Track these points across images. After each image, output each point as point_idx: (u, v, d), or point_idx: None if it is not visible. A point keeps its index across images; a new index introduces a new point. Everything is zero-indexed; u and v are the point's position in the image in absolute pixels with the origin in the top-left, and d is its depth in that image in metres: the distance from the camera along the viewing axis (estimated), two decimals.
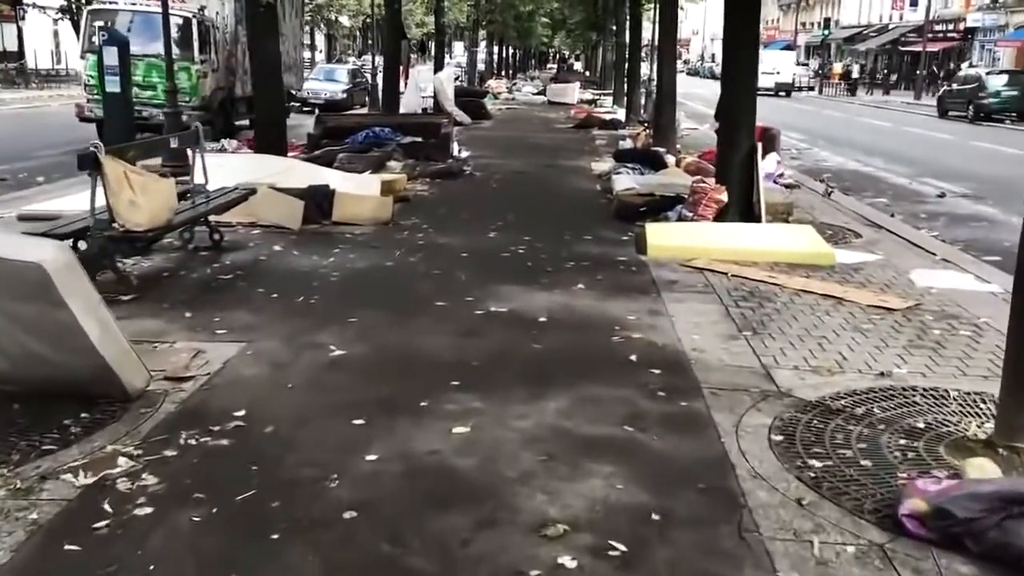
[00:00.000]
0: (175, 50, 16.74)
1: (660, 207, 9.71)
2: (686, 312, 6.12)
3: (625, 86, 28.49)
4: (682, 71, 42.54)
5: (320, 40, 77.84)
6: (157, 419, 4.08)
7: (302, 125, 17.89)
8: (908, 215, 11.53)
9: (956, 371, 5.12)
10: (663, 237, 8.14)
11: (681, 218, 9.20)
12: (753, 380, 4.84)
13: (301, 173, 9.40)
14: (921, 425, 4.32)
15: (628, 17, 24.11)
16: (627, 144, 17.20)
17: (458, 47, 62.16)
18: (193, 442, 3.84)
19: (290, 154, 14.22)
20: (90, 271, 5.99)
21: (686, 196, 9.89)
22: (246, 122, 19.61)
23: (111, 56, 10.37)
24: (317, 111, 25.45)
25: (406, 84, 24.10)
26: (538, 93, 36.13)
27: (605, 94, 33.46)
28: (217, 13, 17.41)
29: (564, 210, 10.31)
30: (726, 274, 7.23)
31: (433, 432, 4.01)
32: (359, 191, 9.35)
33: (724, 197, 9.08)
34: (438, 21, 24.32)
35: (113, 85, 10.40)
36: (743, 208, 9.19)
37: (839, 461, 3.91)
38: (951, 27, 49.43)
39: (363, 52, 66.38)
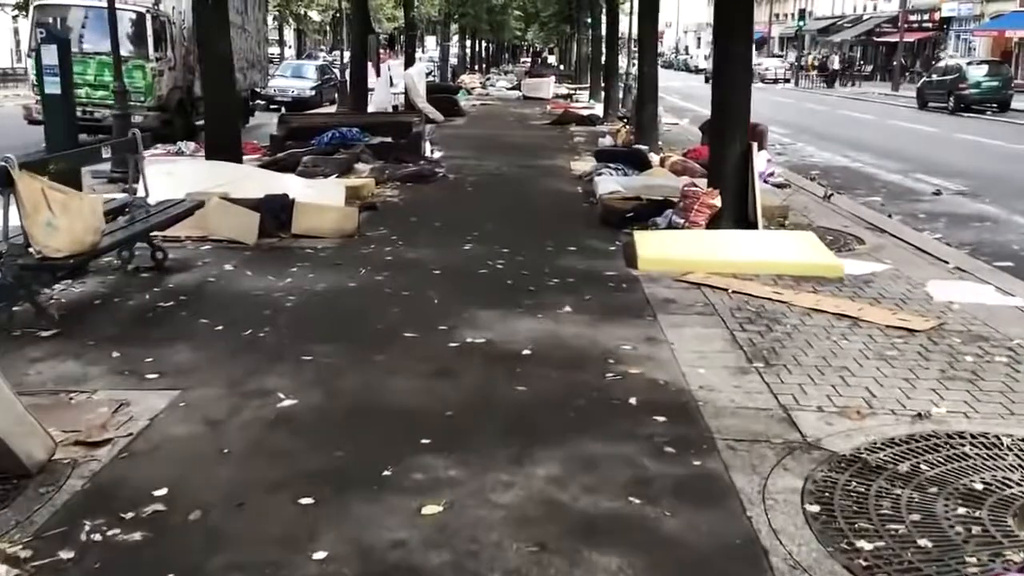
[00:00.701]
0: (128, 48, 15.99)
1: (648, 212, 9.01)
2: (687, 339, 5.42)
3: (602, 80, 27.88)
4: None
5: (290, 36, 76.63)
6: (57, 503, 3.31)
7: (266, 125, 17.07)
8: (906, 215, 10.92)
9: (1002, 409, 4.46)
10: (654, 248, 7.44)
11: (672, 225, 8.50)
12: (774, 427, 4.15)
13: (258, 181, 8.61)
14: (979, 486, 3.65)
15: (605, 9, 23.39)
16: (607, 141, 16.54)
17: (431, 42, 61.25)
18: (97, 537, 3.09)
19: (251, 157, 13.46)
20: (5, 303, 5.23)
21: (675, 200, 9.22)
22: None
23: (50, 55, 9.51)
24: (283, 110, 24.70)
25: (377, 80, 23.29)
26: (512, 88, 35.39)
27: (581, 88, 32.76)
28: (173, 8, 16.51)
29: (545, 216, 9.59)
30: (727, 290, 6.54)
31: (398, 514, 3.28)
32: (321, 200, 8.58)
33: (717, 202, 8.40)
34: (408, 15, 23.49)
35: (53, 86, 9.54)
36: (738, 213, 8.51)
37: (892, 541, 3.22)
38: (926, 17, 49.17)
39: (334, 48, 65.32)
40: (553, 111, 24.55)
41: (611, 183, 10.24)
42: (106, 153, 6.33)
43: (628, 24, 25.54)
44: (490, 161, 14.09)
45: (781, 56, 63.38)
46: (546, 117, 23.19)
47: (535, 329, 5.55)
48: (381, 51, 36.27)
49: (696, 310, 6.07)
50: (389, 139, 14.13)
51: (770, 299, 6.34)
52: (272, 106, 26.01)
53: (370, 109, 20.93)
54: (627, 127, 17.48)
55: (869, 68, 52.00)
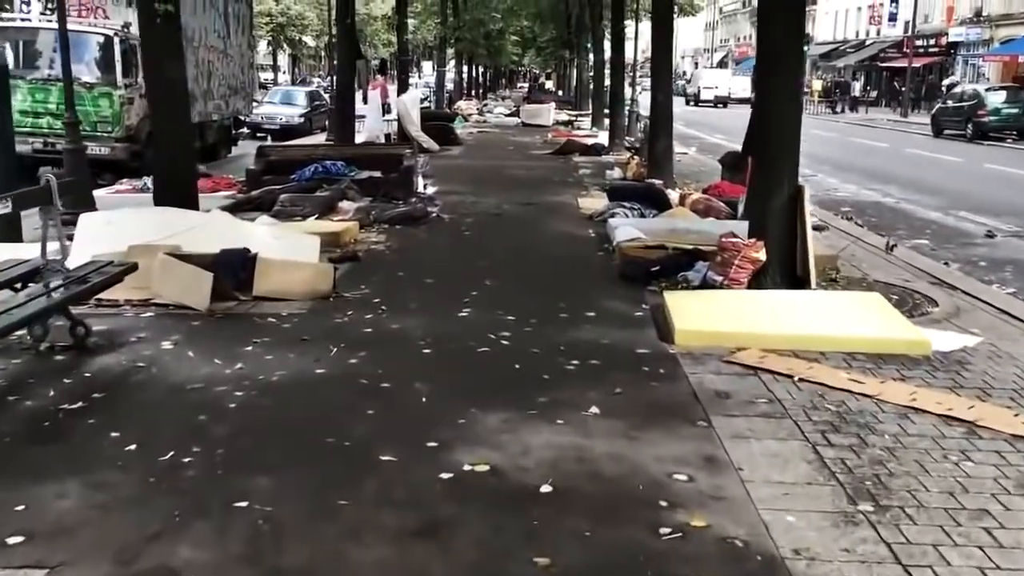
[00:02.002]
0: (95, 73, 14.71)
1: (676, 264, 7.67)
2: (759, 460, 4.05)
3: (606, 107, 26.67)
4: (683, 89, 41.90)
5: (284, 61, 75.69)
6: None
7: (249, 155, 15.71)
8: (964, 263, 9.61)
9: None
10: (693, 317, 6.07)
11: (707, 282, 7.16)
12: None
13: (217, 231, 7.26)
14: None
15: (610, 33, 22.19)
16: (616, 174, 15.27)
17: (427, 67, 60.24)
18: None
19: (225, 193, 12.14)
20: None
21: (706, 248, 7.89)
22: None
23: None
24: (269, 138, 23.44)
25: (368, 108, 22.04)
26: (511, 114, 34.18)
27: (582, 115, 31.56)
28: None
29: (554, 269, 8.22)
30: (792, 378, 5.18)
31: None
32: (291, 254, 7.22)
33: (762, 256, 7.06)
34: (400, 39, 22.27)
35: None
36: (785, 268, 7.17)
37: None
38: (932, 42, 48.18)
39: (330, 73, 64.42)
40: (555, 139, 23.28)
41: (629, 227, 8.89)
42: (3, 208, 4.98)
43: (634, 49, 24.34)
44: (489, 197, 12.75)
45: None
46: (547, 146, 21.90)
47: (555, 445, 4.17)
48: (377, 77, 35.10)
49: (760, 409, 4.70)
50: (378, 173, 12.81)
51: (850, 391, 4.97)
52: (259, 134, 24.78)
53: (361, 138, 19.78)
54: (637, 159, 16.20)
55: (874, 94, 50.93)
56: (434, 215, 10.85)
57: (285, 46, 69.79)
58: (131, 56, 14.88)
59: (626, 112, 21.43)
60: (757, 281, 7.11)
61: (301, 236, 7.50)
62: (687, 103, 55.87)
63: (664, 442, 4.24)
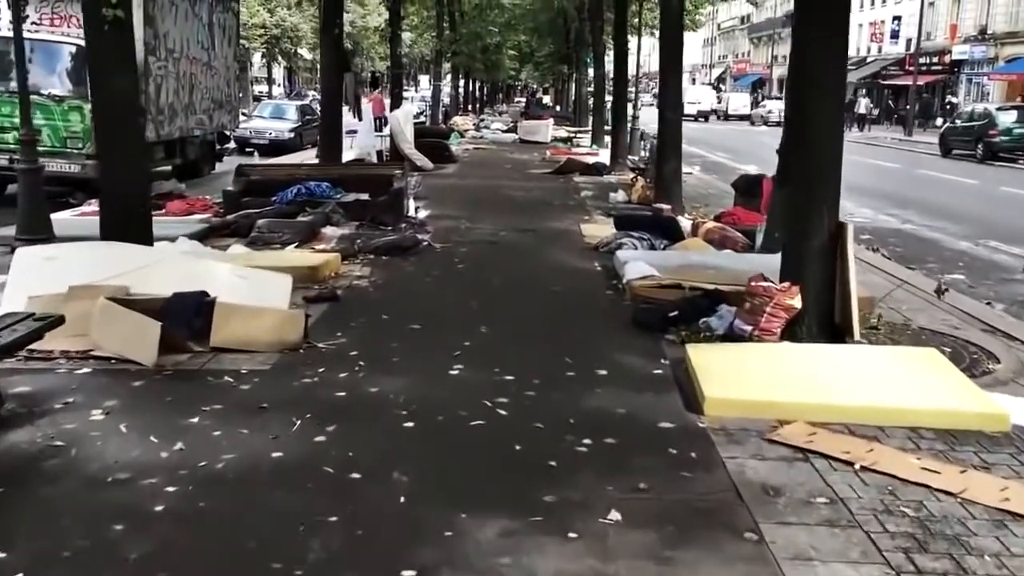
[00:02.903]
0: (66, 86, 13.81)
1: (695, 308, 6.76)
2: None
3: (605, 124, 25.82)
4: (651, 104, 41.03)
5: (279, 74, 74.89)
6: None
7: (230, 174, 14.79)
8: (1008, 302, 8.71)
9: None
10: (724, 380, 5.15)
11: (733, 332, 6.25)
12: None
13: (173, 268, 6.33)
14: None
15: (613, 47, 21.34)
16: (620, 197, 14.37)
17: (425, 81, 59.49)
18: None
19: (200, 216, 11.22)
20: None
21: (726, 289, 7.01)
22: (169, 167, 16.56)
23: None
24: (256, 154, 22.53)
25: (360, 123, 21.17)
26: (508, 130, 33.30)
27: (582, 132, 30.70)
28: None
29: (558, 311, 7.30)
30: (852, 465, 4.26)
31: None
32: (260, 296, 6.29)
33: (797, 303, 6.16)
34: (394, 51, 21.40)
35: None
36: (823, 316, 6.27)
37: None
38: (935, 60, 47.52)
39: None
40: (554, 157, 22.40)
41: (640, 264, 7.97)
42: None
43: (636, 64, 23.49)
44: (485, 223, 11.84)
45: (780, 98, 61.76)
46: (546, 164, 21.01)
47: (568, 574, 3.24)
48: (372, 91, 34.24)
49: (821, 515, 3.77)
50: (365, 196, 11.90)
51: (928, 486, 4.05)
52: (247, 149, 23.88)
53: (352, 155, 18.87)
54: (643, 181, 15.30)
55: (876, 112, 50.15)
56: (425, 243, 9.93)
57: (280, 59, 69.00)
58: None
59: (628, 130, 20.53)
60: (791, 331, 6.22)
61: (270, 276, 6.57)
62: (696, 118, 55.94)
63: (707, 566, 3.31)
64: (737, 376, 5.27)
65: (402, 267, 8.81)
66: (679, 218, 11.67)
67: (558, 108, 56.59)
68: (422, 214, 12.23)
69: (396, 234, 10.30)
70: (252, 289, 6.39)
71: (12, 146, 13.25)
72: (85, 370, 5.39)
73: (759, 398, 4.94)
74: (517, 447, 4.39)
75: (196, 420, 4.62)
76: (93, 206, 11.72)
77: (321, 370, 5.48)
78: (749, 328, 6.17)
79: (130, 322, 5.53)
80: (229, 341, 5.77)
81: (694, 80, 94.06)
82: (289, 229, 10.00)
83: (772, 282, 6.31)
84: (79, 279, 6.04)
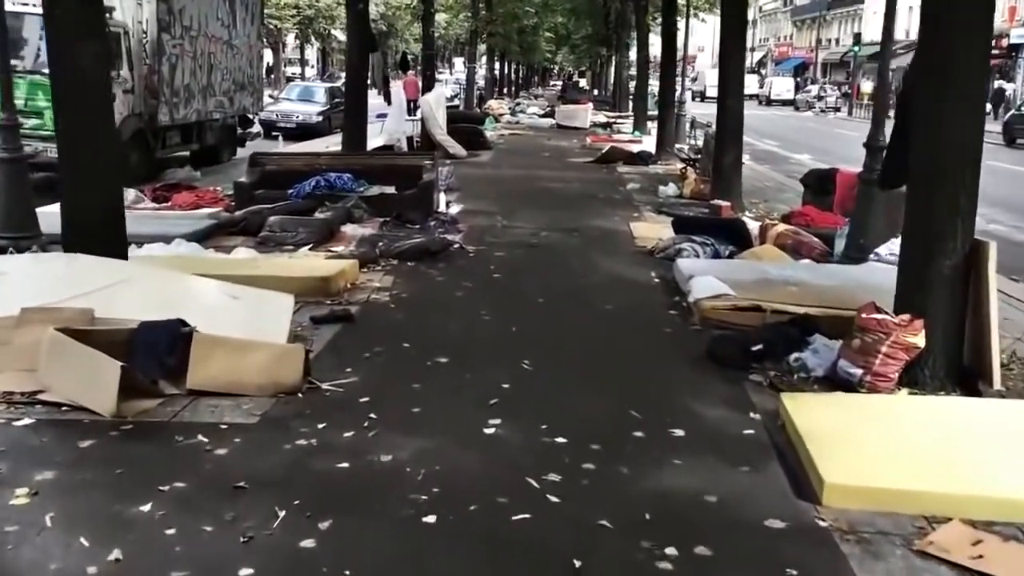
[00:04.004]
0: None
1: (785, 340, 5.53)
2: None
3: (646, 108, 24.46)
4: (688, 89, 39.61)
5: (313, 55, 73.92)
6: None
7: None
8: None
9: None
10: (843, 455, 3.91)
11: (837, 375, 5.01)
12: None
13: (150, 285, 5.20)
14: None
15: (661, 27, 19.94)
16: (671, 191, 13.09)
17: (459, 63, 58.17)
18: None
19: (209, 210, 10.12)
20: None
21: (816, 313, 5.80)
22: (186, 153, 15.53)
23: None
24: (280, 139, 21.47)
25: (390, 106, 20.01)
26: (544, 115, 31.95)
27: (622, 117, 29.31)
28: (133, 17, 13.25)
29: (614, 338, 6.06)
30: None
31: None
32: (255, 320, 5.15)
33: (920, 341, 4.90)
34: (427, 31, 20.18)
35: None
36: (951, 357, 5.02)
37: None
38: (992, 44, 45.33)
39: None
40: (594, 145, 21.11)
41: (709, 279, 6.71)
42: None
43: (683, 46, 22.07)
44: (523, 221, 10.63)
45: (828, 82, 59.88)
46: (586, 152, 19.74)
47: None
48: (407, 73, 32.95)
49: None
50: (391, 189, 10.76)
51: None
52: (274, 133, 22.84)
53: (381, 140, 17.73)
54: (695, 173, 14.01)
55: None
56: (456, 246, 8.74)
57: (313, 40, 68.04)
58: (112, 44, 12.91)
59: (675, 116, 19.17)
60: (909, 374, 4.97)
61: (267, 296, 5.42)
62: (692, 99, 54.48)
63: None
64: (857, 446, 4.04)
65: (429, 276, 7.62)
66: (744, 217, 10.41)
67: (595, 92, 55.09)
68: (453, 209, 11.06)
69: (423, 234, 9.13)
70: (245, 312, 5.25)
71: (28, 131, 12.19)
72: (26, 421, 4.28)
73: (896, 486, 3.71)
74: (577, 562, 3.20)
75: (148, 508, 3.47)
76: None
77: (322, 426, 4.31)
78: (858, 372, 4.92)
79: (84, 361, 4.41)
80: (210, 383, 4.63)
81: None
82: (304, 228, 8.88)
83: (888, 313, 5.05)
84: (33, 299, 4.94)
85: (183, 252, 7.60)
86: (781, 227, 8.96)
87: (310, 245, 8.53)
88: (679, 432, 4.39)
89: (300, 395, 4.70)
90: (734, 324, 6.09)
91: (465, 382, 5.02)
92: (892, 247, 7.84)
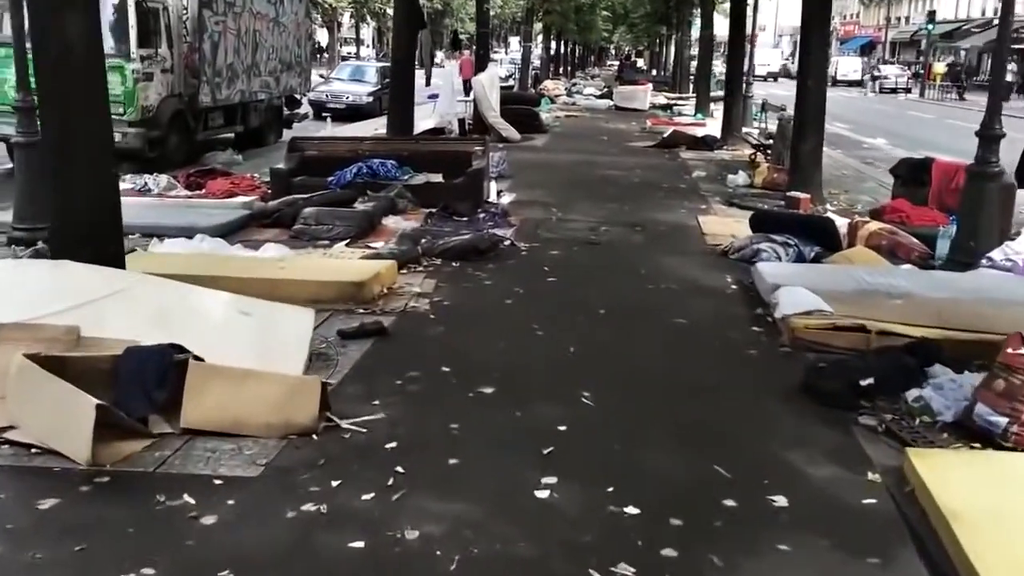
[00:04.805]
0: (107, 43, 12.14)
1: (902, 371, 4.61)
2: None
3: (706, 89, 23.30)
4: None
5: (369, 35, 73.40)
6: None
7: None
8: None
9: None
10: (1007, 551, 2.99)
11: (974, 423, 4.07)
12: None
13: (145, 302, 4.43)
14: None
15: (730, 4, 18.78)
16: (740, 180, 12.07)
17: (514, 43, 57.14)
18: None
19: (243, 199, 9.40)
20: None
21: (934, 336, 4.87)
22: (231, 135, 14.89)
23: None
24: (328, 120, 20.79)
25: (441, 86, 19.20)
26: (601, 95, 30.89)
27: (683, 99, 28.13)
28: None
29: (689, 363, 5.16)
30: None
31: None
32: (267, 342, 4.37)
33: None
34: (480, 9, 19.28)
35: None
36: None
37: None
38: None
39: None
40: (654, 128, 20.08)
41: (799, 292, 5.76)
42: None
43: (752, 23, 20.82)
44: (581, 213, 9.73)
45: (899, 63, 57.58)
46: (646, 136, 18.72)
47: None
48: (462, 52, 32.09)
49: None
50: (438, 177, 9.95)
51: None
52: (324, 114, 22.19)
53: (431, 123, 16.95)
54: (766, 161, 12.97)
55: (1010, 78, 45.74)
56: (507, 243, 7.89)
57: (369, 19, 67.49)
58: (151, 23, 12.29)
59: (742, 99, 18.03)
60: None
61: (285, 312, 4.63)
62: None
63: None
64: (1022, 532, 3.11)
65: (476, 279, 6.78)
66: (826, 212, 9.40)
67: (654, 72, 53.66)
68: (505, 200, 10.21)
69: (471, 228, 8.31)
70: (258, 331, 4.46)
71: None
72: None
73: None
74: None
75: None
76: (129, 182, 10.05)
77: (336, 483, 3.51)
78: (1003, 421, 3.97)
79: (56, 396, 3.66)
80: (208, 421, 3.86)
81: (795, 44, 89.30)
82: (341, 221, 8.12)
83: None
84: (12, 313, 4.21)
85: (205, 249, 6.88)
86: (874, 225, 7.93)
87: (347, 240, 7.77)
88: (780, 500, 3.50)
89: (315, 437, 3.90)
90: (833, 348, 5.17)
91: (513, 422, 4.18)
92: (1009, 251, 6.82)
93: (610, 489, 3.52)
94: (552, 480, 3.59)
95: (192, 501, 3.33)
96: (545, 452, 3.84)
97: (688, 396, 4.62)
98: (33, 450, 3.69)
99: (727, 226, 9.02)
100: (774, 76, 61.54)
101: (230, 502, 3.34)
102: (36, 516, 3.23)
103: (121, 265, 4.62)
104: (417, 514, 3.30)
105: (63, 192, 4.45)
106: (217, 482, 3.49)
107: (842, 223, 8.17)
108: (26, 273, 4.41)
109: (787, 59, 78.78)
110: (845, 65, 60.85)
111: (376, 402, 4.31)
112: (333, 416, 4.06)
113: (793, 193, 10.11)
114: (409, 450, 3.82)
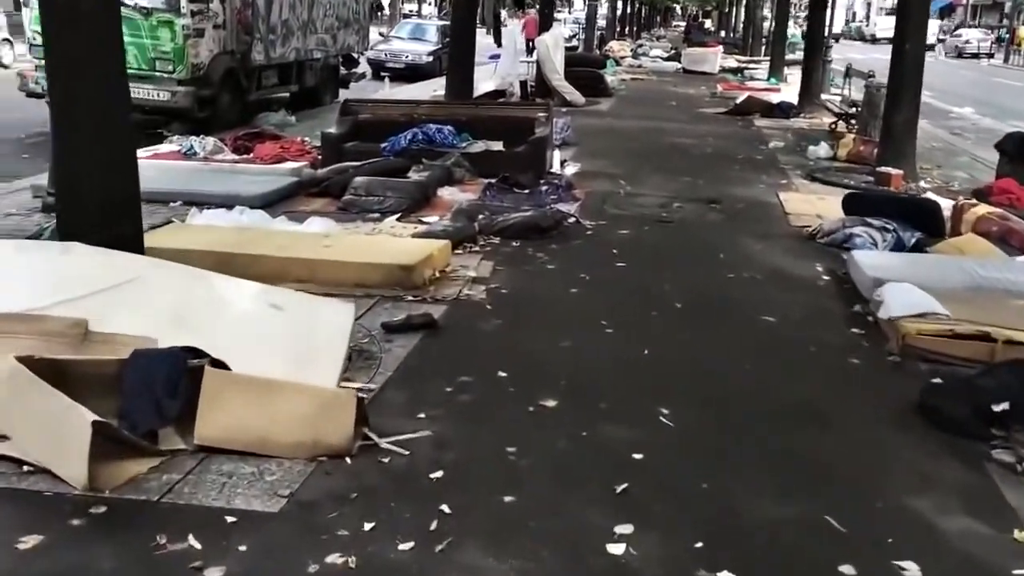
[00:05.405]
0: None
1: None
2: None
3: (787, 52, 22.14)
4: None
5: None
6: None
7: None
8: None
9: None
10: None
11: None
12: None
13: (162, 291, 3.89)
14: None
15: None
16: (822, 151, 11.22)
17: (579, 2, 55.79)
18: None
19: (291, 165, 8.82)
20: None
21: None
22: (286, 95, 14.38)
23: None
24: (386, 80, 20.20)
25: (503, 47, 18.47)
26: (668, 58, 29.75)
27: (754, 62, 26.92)
28: None
29: (784, 378, 4.43)
30: None
31: None
32: (298, 345, 3.81)
33: None
34: None
35: None
36: None
37: None
38: None
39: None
40: (725, 93, 19.10)
41: (908, 290, 5.01)
42: None
43: None
44: (651, 187, 9.02)
45: (981, 26, 54.89)
46: (717, 101, 17.78)
47: None
48: (527, 11, 31.13)
49: None
50: (499, 145, 9.31)
51: None
52: (382, 74, 21.63)
53: (492, 84, 16.25)
54: (850, 131, 12.05)
55: None
56: (571, 220, 7.24)
57: None
58: None
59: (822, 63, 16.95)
60: None
61: (320, 306, 4.05)
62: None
63: None
64: None
65: (537, 262, 6.15)
66: (921, 190, 8.56)
67: (722, 34, 51.92)
68: (569, 170, 9.53)
69: (532, 202, 7.69)
70: (290, 328, 3.90)
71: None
72: None
73: None
74: None
75: None
76: (176, 144, 9.60)
77: (370, 527, 2.94)
78: None
79: (50, 409, 3.15)
80: (226, 438, 3.32)
81: (869, 4, 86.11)
82: (394, 192, 7.55)
83: None
84: (12, 303, 3.72)
85: (244, 222, 6.35)
86: (982, 208, 7.08)
87: (398, 214, 7.20)
88: (911, 568, 2.84)
89: (348, 460, 3.34)
90: (952, 358, 4.45)
91: (580, 446, 3.57)
92: None
93: (699, 545, 2.90)
94: (627, 529, 2.98)
95: (198, 546, 2.79)
96: (618, 490, 3.22)
97: (783, 417, 3.95)
98: (25, 467, 3.19)
99: (812, 204, 8.25)
100: (835, 37, 59.59)
101: (242, 548, 2.80)
102: (13, 560, 2.72)
103: (139, 248, 4.08)
104: (465, 573, 2.72)
105: (71, 166, 3.91)
106: (230, 520, 2.94)
107: (946, 205, 7.34)
108: (31, 257, 3.91)
109: (861, 21, 76.02)
110: (882, 23, 59.83)
111: (421, 415, 3.74)
112: (371, 433, 3.50)
113: (884, 168, 9.25)
114: (457, 482, 3.24)
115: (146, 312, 3.78)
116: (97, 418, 3.06)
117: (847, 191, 7.88)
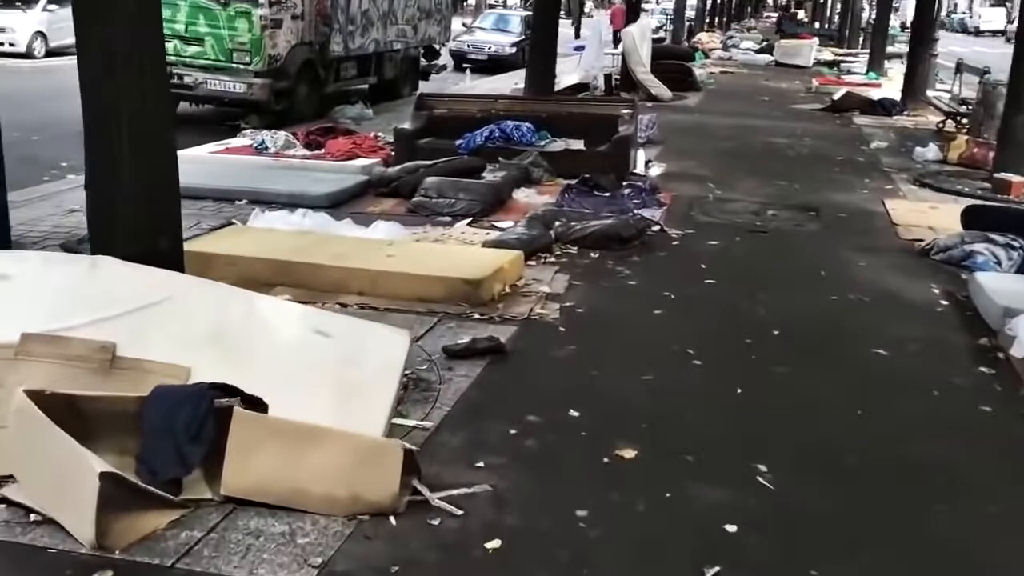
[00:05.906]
0: None
1: None
2: None
3: (889, 45, 21.00)
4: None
5: None
6: None
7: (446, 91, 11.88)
8: None
9: None
10: None
11: None
12: None
13: (198, 314, 3.50)
14: None
15: None
16: (930, 154, 10.39)
17: None
18: None
19: (363, 162, 8.45)
20: None
21: None
22: (364, 87, 14.09)
23: None
24: (468, 72, 19.80)
25: (587, 38, 17.87)
26: (760, 50, 28.64)
27: (852, 56, 25.69)
28: None
29: (902, 431, 3.83)
30: None
31: None
32: (345, 377, 3.37)
33: None
34: None
35: None
36: None
37: None
38: None
39: None
40: (821, 88, 18.17)
41: None
42: None
43: None
44: (742, 191, 8.38)
45: None
46: (812, 97, 16.88)
47: None
48: (614, 1, 30.36)
49: None
50: (579, 144, 8.79)
51: None
52: (464, 65, 21.24)
53: (574, 77, 15.73)
54: (960, 131, 11.15)
55: None
56: (655, 229, 6.68)
57: None
58: None
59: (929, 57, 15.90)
60: None
61: (372, 332, 3.61)
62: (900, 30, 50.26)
63: None
64: None
65: (617, 277, 5.62)
66: None
67: (816, 25, 50.12)
68: (654, 171, 8.94)
69: (613, 206, 7.16)
70: (336, 358, 3.47)
71: (171, 58, 11.01)
72: None
73: None
74: None
75: None
76: (248, 138, 9.34)
77: None
78: None
79: (58, 453, 2.78)
80: (256, 490, 2.91)
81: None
82: (466, 194, 7.12)
83: None
84: (37, 323, 3.37)
85: (307, 226, 5.98)
86: None
87: (470, 218, 6.75)
88: None
89: (393, 520, 2.90)
90: None
91: (663, 511, 3.05)
92: None
93: None
94: None
95: None
96: (708, 574, 2.70)
97: (908, 482, 3.35)
98: (32, 516, 2.84)
99: (923, 215, 7.52)
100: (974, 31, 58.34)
101: None
102: None
103: (178, 264, 3.70)
104: None
105: (102, 170, 3.55)
106: None
107: None
108: (59, 271, 3.56)
109: (964, 12, 72.79)
110: (989, 14, 58.16)
111: (480, 463, 3.27)
112: (421, 487, 3.04)
113: (1002, 175, 8.43)
114: (517, 555, 2.76)
115: (180, 336, 3.39)
116: (106, 468, 2.68)
117: (966, 201, 7.11)
